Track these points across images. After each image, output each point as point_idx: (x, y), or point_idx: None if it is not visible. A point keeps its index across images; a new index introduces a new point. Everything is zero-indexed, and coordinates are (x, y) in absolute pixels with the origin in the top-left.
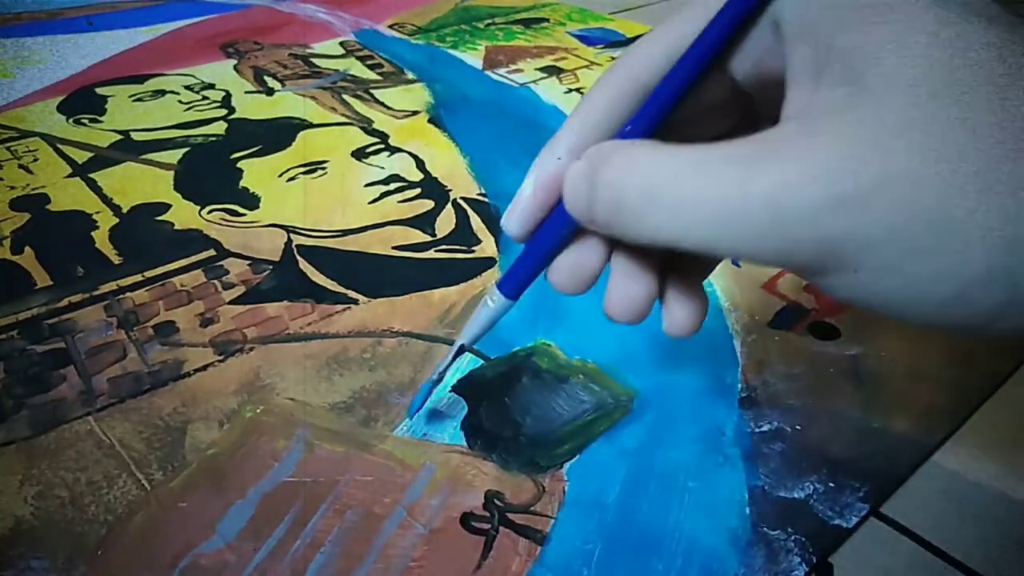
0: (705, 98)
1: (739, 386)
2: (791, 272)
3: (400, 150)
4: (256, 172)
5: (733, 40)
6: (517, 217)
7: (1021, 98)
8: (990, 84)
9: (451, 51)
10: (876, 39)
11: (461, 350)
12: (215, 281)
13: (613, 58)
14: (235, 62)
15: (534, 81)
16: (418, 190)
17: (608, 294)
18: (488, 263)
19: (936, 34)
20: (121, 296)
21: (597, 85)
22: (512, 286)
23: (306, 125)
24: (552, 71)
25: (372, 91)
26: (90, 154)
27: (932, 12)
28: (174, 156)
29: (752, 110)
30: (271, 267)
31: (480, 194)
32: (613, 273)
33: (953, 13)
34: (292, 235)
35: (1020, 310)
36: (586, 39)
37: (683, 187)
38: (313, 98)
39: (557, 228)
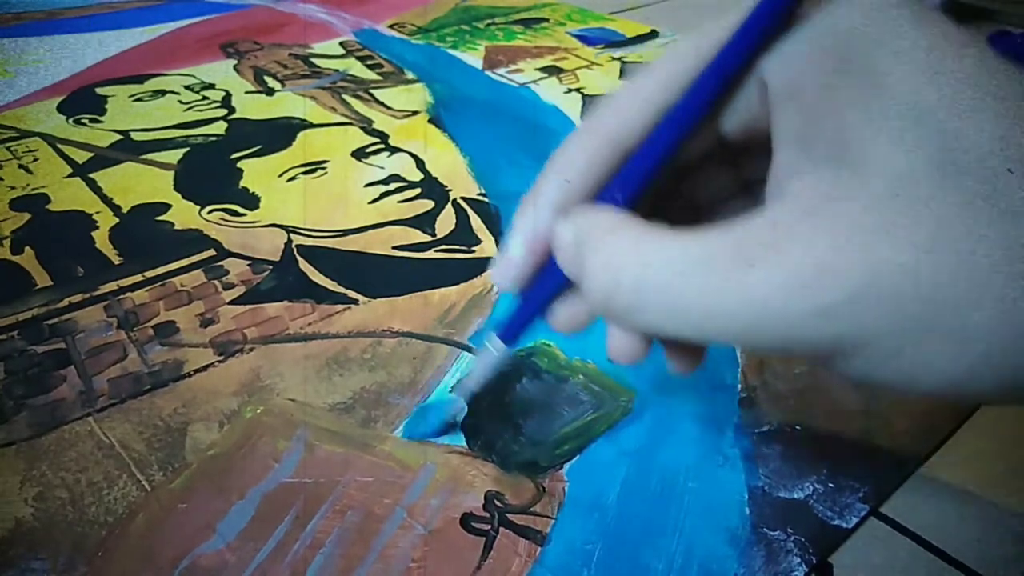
0: (691, 151)
1: (739, 386)
2: None
3: (400, 150)
4: (256, 172)
5: (721, 99)
6: (510, 275)
7: (1015, 183)
8: (983, 170)
9: (451, 51)
10: (866, 114)
11: (468, 395)
12: (215, 281)
13: (613, 58)
14: (235, 62)
15: (534, 81)
16: (418, 190)
17: (609, 341)
18: (488, 263)
19: (928, 113)
20: (121, 296)
21: (576, 138)
22: (512, 334)
23: (306, 125)
24: (552, 71)
25: (372, 91)
26: (90, 154)
27: (926, 84)
28: (174, 156)
29: (738, 147)
30: (271, 267)
31: (480, 194)
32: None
33: (948, 87)
34: (292, 235)
35: None
36: (586, 39)
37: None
38: (313, 98)
39: (551, 283)
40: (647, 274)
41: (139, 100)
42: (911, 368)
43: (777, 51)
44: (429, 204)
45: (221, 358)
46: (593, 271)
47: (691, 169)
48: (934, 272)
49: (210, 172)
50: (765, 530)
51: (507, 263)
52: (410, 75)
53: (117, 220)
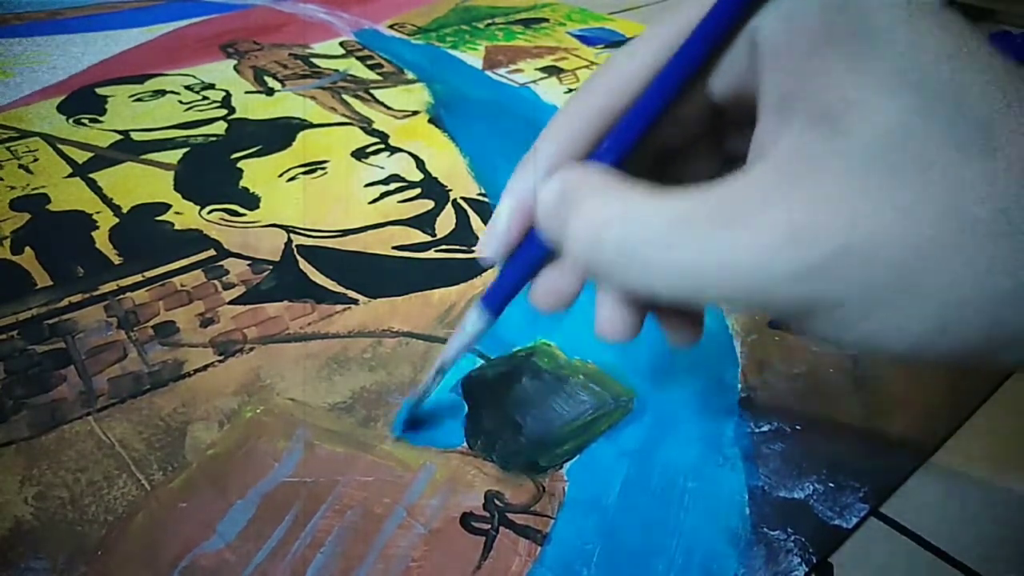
0: (680, 113)
1: (739, 386)
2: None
3: (400, 150)
4: (256, 172)
5: (711, 59)
6: (494, 241)
7: (989, 154)
8: (975, 119)
9: (451, 51)
10: (855, 73)
11: (442, 371)
12: (215, 281)
13: None
14: (235, 62)
15: (534, 81)
16: (418, 190)
17: (597, 317)
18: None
19: (921, 69)
20: (121, 296)
21: (573, 102)
22: (495, 303)
23: (306, 125)
24: (552, 71)
25: (372, 91)
26: (90, 154)
27: (918, 44)
28: (174, 156)
29: (723, 120)
30: (271, 267)
31: (480, 194)
32: (599, 295)
33: (939, 47)
34: (292, 235)
35: (1003, 344)
36: (586, 39)
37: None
38: (313, 98)
39: (533, 251)
40: (629, 231)
41: (139, 100)
42: (881, 330)
43: (767, 10)
44: (429, 204)
45: (221, 358)
46: (576, 228)
47: (678, 150)
48: (912, 234)
49: (210, 172)
50: (765, 530)
51: (494, 229)
52: (410, 75)
53: (117, 220)
